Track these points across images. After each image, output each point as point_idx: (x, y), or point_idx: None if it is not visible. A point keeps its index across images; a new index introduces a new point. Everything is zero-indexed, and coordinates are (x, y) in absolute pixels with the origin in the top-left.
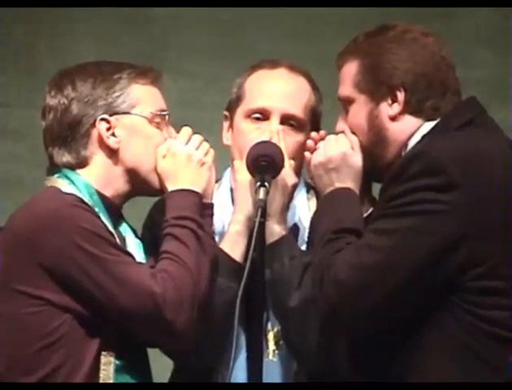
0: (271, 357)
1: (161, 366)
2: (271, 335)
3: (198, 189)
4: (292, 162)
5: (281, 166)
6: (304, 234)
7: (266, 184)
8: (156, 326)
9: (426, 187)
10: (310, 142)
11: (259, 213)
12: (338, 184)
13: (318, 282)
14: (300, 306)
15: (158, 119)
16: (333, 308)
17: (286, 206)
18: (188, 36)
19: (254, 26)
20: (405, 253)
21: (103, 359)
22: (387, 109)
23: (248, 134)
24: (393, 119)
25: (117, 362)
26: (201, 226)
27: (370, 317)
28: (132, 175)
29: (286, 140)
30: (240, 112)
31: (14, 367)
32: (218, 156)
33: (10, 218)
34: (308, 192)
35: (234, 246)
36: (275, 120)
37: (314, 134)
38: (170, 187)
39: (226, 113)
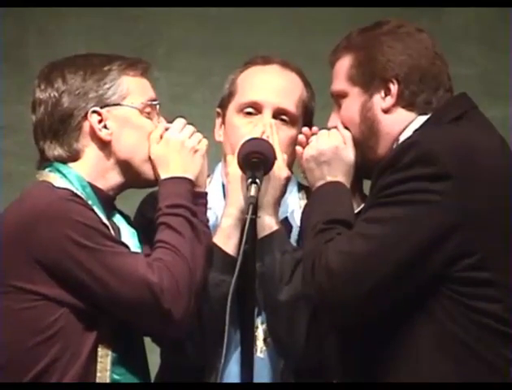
0: (258, 353)
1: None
2: (259, 332)
3: (191, 176)
4: (285, 156)
5: (272, 163)
6: (295, 233)
7: (257, 180)
8: (154, 315)
9: (418, 176)
10: (301, 137)
11: (250, 210)
12: (329, 178)
13: (310, 270)
14: (289, 301)
15: (148, 109)
16: (324, 296)
17: (279, 200)
18: (177, 33)
19: (243, 22)
20: (397, 242)
21: (100, 351)
22: (380, 101)
23: (240, 128)
24: (386, 111)
25: (114, 355)
26: (194, 213)
27: (361, 305)
28: (125, 166)
29: (278, 135)
30: (232, 107)
31: (12, 363)
32: (209, 152)
33: (2, 214)
34: (299, 191)
35: (227, 240)
36: (267, 114)
37: (305, 129)
38: (162, 173)
39: (218, 110)
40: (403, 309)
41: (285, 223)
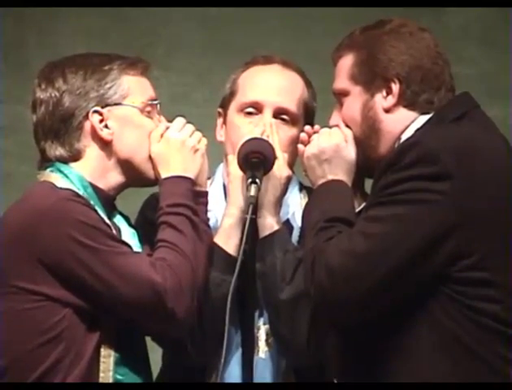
0: (260, 354)
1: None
2: (261, 333)
3: (191, 175)
4: (285, 155)
5: (272, 163)
6: (296, 234)
7: (257, 180)
8: (157, 314)
9: (420, 176)
10: (303, 135)
11: (250, 210)
12: (330, 176)
13: (310, 269)
14: (291, 300)
15: (149, 109)
16: (324, 295)
17: (280, 199)
18: (177, 33)
19: (243, 22)
20: (397, 241)
21: (103, 352)
22: (381, 101)
23: (241, 128)
24: (387, 111)
25: (116, 355)
26: (195, 212)
27: (361, 304)
28: (126, 165)
29: (279, 134)
30: (233, 107)
31: (16, 364)
32: (209, 153)
33: (4, 215)
34: (301, 191)
35: (228, 240)
36: (267, 113)
37: (307, 127)
38: (163, 173)
39: (220, 110)
40: (403, 308)
41: (286, 225)
